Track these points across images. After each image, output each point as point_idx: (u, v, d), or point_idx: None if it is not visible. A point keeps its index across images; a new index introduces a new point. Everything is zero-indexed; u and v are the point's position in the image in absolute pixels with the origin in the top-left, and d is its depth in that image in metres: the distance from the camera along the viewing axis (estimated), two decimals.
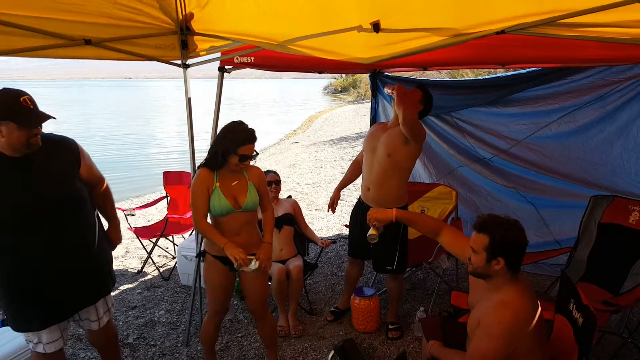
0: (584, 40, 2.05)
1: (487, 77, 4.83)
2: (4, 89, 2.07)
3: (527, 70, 4.01)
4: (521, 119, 4.15)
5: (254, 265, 2.47)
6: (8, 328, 2.68)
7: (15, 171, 2.11)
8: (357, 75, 36.20)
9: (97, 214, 2.51)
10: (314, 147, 13.63)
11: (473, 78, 5.58)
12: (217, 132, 2.57)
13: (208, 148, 2.60)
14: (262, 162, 11.82)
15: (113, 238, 2.66)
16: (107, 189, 2.59)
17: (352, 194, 7.42)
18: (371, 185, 3.19)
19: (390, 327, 3.44)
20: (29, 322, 2.27)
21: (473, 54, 2.57)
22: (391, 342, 3.36)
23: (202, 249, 2.74)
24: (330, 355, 2.61)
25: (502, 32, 2.02)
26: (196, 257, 3.03)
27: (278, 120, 24.67)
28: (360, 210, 3.37)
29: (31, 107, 2.04)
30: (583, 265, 3.33)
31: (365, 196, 3.27)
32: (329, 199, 3.58)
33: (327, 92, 46.11)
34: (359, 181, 3.46)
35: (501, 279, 1.97)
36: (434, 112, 4.53)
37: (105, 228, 2.62)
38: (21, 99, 2.02)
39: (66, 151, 2.30)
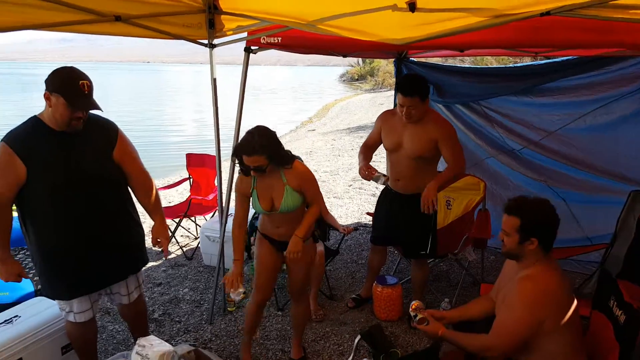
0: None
1: (519, 64, 4.67)
2: (72, 67, 2.15)
3: (562, 58, 3.88)
4: (554, 109, 4.00)
5: (236, 295, 2.55)
6: (43, 297, 2.87)
7: (55, 145, 2.18)
8: (374, 63, 35.88)
9: (132, 197, 2.53)
10: (330, 135, 13.56)
11: (503, 66, 5.42)
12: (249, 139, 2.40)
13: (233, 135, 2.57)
14: None
15: (158, 234, 2.57)
16: (151, 184, 2.55)
17: (371, 183, 7.38)
18: (401, 178, 3.15)
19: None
20: (58, 291, 2.37)
21: (514, 37, 2.46)
22: (414, 331, 3.32)
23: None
24: (356, 340, 2.59)
25: (548, 13, 1.92)
26: (220, 240, 3.02)
27: (294, 108, 24.59)
28: (388, 197, 3.32)
29: (86, 92, 2.10)
30: (620, 262, 3.20)
31: (395, 185, 3.22)
32: (359, 171, 3.17)
33: (344, 80, 45.82)
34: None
35: (533, 258, 2.00)
36: (461, 100, 4.47)
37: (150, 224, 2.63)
38: (80, 82, 2.09)
39: (104, 132, 2.36)
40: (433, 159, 3.10)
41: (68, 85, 2.08)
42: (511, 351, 1.98)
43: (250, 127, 2.42)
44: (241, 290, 2.54)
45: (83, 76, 2.12)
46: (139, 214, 2.59)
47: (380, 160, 6.72)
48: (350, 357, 2.72)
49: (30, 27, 2.22)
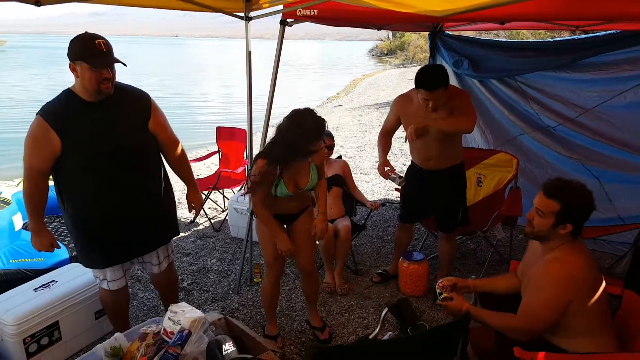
0: None
1: (557, 39, 4.50)
2: (85, 32, 2.16)
3: (603, 33, 3.72)
4: (593, 85, 3.86)
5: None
6: (78, 264, 2.94)
7: (89, 116, 2.20)
8: (405, 37, 35.17)
9: (164, 166, 2.56)
10: (357, 111, 13.44)
11: (542, 40, 5.22)
12: (283, 122, 2.38)
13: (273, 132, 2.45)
14: None
15: (192, 200, 2.71)
16: (183, 153, 2.61)
17: (398, 159, 7.32)
18: (432, 158, 3.13)
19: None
20: (93, 260, 2.42)
21: (560, 9, 2.34)
22: (439, 307, 3.31)
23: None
24: (383, 313, 2.62)
25: None
26: (249, 214, 3.05)
27: (321, 83, 24.42)
28: (417, 176, 3.28)
29: (104, 50, 2.10)
30: None
31: (426, 165, 3.19)
32: (378, 168, 3.18)
33: (373, 55, 45.13)
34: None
35: (560, 241, 1.97)
36: (497, 75, 4.35)
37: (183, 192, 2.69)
38: (96, 42, 2.09)
39: (138, 102, 2.38)
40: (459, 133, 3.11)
41: (85, 49, 2.08)
42: (538, 333, 1.96)
43: (289, 107, 2.40)
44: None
45: (96, 36, 2.12)
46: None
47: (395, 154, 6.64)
48: (377, 330, 2.75)
49: None
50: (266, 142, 3.33)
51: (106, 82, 2.14)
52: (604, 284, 1.97)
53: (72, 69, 2.12)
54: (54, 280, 2.85)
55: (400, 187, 3.13)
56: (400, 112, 3.12)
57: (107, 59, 2.12)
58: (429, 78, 2.78)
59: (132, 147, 2.31)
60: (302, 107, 2.42)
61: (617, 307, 2.20)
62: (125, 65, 2.17)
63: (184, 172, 2.66)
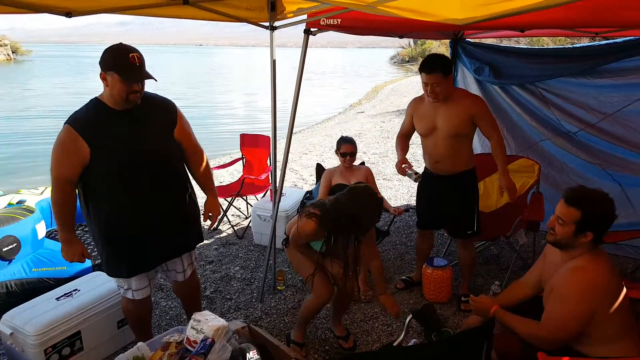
0: None
1: (577, 45, 4.48)
2: (120, 43, 2.21)
3: (622, 39, 3.70)
4: (613, 91, 3.85)
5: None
6: (101, 272, 2.95)
7: (117, 125, 2.23)
8: (426, 45, 35.05)
9: (188, 174, 2.60)
10: (379, 118, 13.45)
11: (562, 46, 5.19)
12: (342, 195, 2.45)
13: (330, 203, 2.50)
14: (327, 131, 11.88)
15: (210, 208, 2.69)
16: (206, 162, 2.64)
17: (420, 166, 7.30)
18: (440, 160, 3.16)
19: (462, 299, 3.40)
20: (119, 269, 2.42)
21: (577, 16, 2.35)
22: (463, 314, 3.33)
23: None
24: (407, 319, 2.62)
25: None
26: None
27: (343, 90, 24.48)
28: (428, 181, 3.32)
29: (137, 64, 2.15)
30: None
31: (435, 168, 3.23)
32: (396, 165, 3.28)
33: (394, 62, 45.08)
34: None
35: (582, 249, 1.98)
36: (518, 82, 4.35)
37: (203, 200, 2.70)
38: (130, 55, 2.13)
39: (164, 111, 2.42)
40: (468, 135, 3.12)
41: (119, 60, 2.12)
42: (563, 343, 1.96)
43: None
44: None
45: (131, 49, 2.16)
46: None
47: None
48: (401, 336, 2.76)
49: (105, 10, 2.34)
50: (289, 149, 3.39)
51: (135, 94, 2.19)
52: (625, 290, 1.97)
53: (103, 77, 2.16)
54: (76, 289, 2.84)
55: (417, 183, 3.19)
56: (413, 111, 3.23)
57: (139, 74, 2.16)
58: (428, 60, 2.95)
59: (159, 155, 2.35)
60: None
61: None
62: (155, 80, 2.20)
63: (206, 180, 2.67)
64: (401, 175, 3.41)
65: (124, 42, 2.22)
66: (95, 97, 2.27)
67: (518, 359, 2.08)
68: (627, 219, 3.95)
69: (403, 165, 3.10)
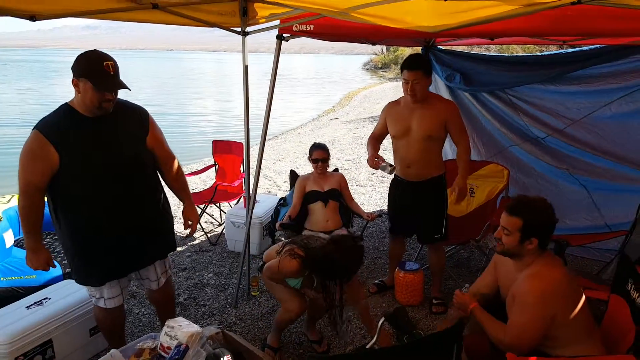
0: None
1: (546, 53, 4.63)
2: (94, 50, 2.16)
3: (589, 47, 3.84)
4: (580, 97, 3.98)
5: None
6: (71, 280, 2.88)
7: (87, 131, 2.19)
8: (398, 52, 35.53)
9: (161, 182, 2.57)
10: (353, 124, 13.55)
11: (531, 54, 5.36)
12: (329, 244, 2.48)
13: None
14: (300, 137, 11.90)
15: (189, 216, 2.67)
16: (179, 168, 2.62)
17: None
18: (412, 164, 3.21)
19: (434, 302, 3.46)
20: (89, 278, 2.38)
21: (544, 25, 2.46)
22: (435, 316, 3.38)
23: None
24: (380, 322, 2.65)
25: (579, 2, 1.92)
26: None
27: (316, 96, 24.57)
28: (399, 189, 3.39)
29: (111, 72, 2.11)
30: (639, 249, 3.23)
31: (406, 173, 3.28)
32: (368, 160, 3.26)
33: (367, 69, 45.49)
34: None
35: (532, 257, 2.05)
36: (488, 89, 4.46)
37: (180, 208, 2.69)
38: (104, 63, 2.09)
39: (136, 118, 2.39)
40: (440, 139, 3.20)
41: (93, 68, 2.08)
42: (526, 350, 2.01)
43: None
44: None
45: (106, 57, 2.11)
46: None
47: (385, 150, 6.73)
48: (374, 339, 2.78)
49: (71, 14, 2.29)
50: (262, 155, 3.38)
51: (108, 102, 2.16)
52: (582, 292, 2.04)
53: (75, 84, 2.11)
54: (47, 298, 2.80)
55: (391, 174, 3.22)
56: (387, 114, 3.29)
57: (113, 83, 2.13)
58: (410, 59, 3.06)
59: (130, 162, 2.31)
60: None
61: (604, 312, 2.27)
62: (129, 89, 2.17)
63: (180, 187, 2.64)
64: (374, 171, 3.45)
65: (96, 49, 2.18)
66: (66, 103, 2.22)
67: (487, 358, 2.13)
68: (593, 222, 4.10)
69: (375, 159, 3.13)
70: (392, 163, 3.19)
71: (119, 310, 2.54)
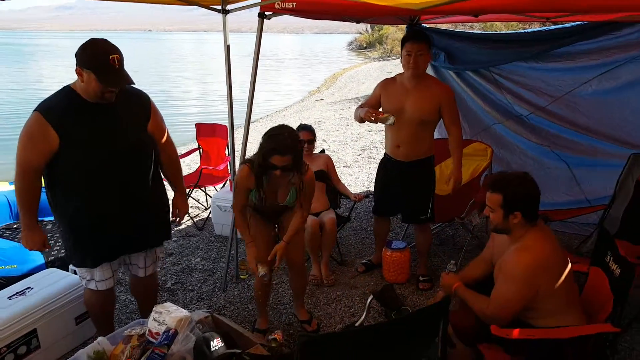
0: None
1: (528, 30, 4.64)
2: (103, 40, 2.13)
3: (572, 24, 3.85)
4: (562, 74, 4.02)
5: (261, 271, 2.63)
6: (55, 269, 2.90)
7: (89, 116, 2.18)
8: (383, 31, 35.22)
9: (160, 170, 2.56)
10: (339, 105, 13.49)
11: (514, 31, 5.36)
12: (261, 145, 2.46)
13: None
14: (285, 119, 11.81)
15: (180, 206, 2.69)
16: (177, 156, 2.62)
17: (379, 152, 7.40)
18: (402, 144, 3.21)
19: (420, 279, 3.52)
20: (83, 259, 2.38)
21: (529, 2, 2.46)
22: (421, 292, 3.44)
23: None
24: (369, 300, 2.70)
25: None
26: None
27: (301, 77, 24.35)
28: (387, 168, 3.40)
29: (117, 67, 2.09)
30: (617, 222, 3.34)
31: (395, 153, 3.28)
32: (365, 115, 3.09)
33: (352, 48, 45.12)
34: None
35: (521, 230, 2.09)
36: (472, 67, 4.47)
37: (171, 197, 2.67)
38: (111, 57, 2.06)
39: (138, 103, 2.37)
40: (433, 123, 3.19)
41: (98, 61, 2.06)
42: (507, 320, 2.08)
43: (278, 123, 2.46)
44: (263, 271, 2.62)
45: (112, 50, 2.09)
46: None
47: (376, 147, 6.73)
48: (362, 317, 2.83)
49: None
50: (247, 138, 3.37)
51: (111, 93, 2.15)
52: (569, 265, 2.10)
53: (79, 72, 2.10)
54: (29, 287, 2.75)
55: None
56: (382, 91, 3.25)
57: (118, 78, 2.11)
58: (416, 31, 3.11)
59: (130, 148, 2.30)
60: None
61: (584, 283, 2.33)
62: (134, 83, 2.15)
63: (175, 176, 2.65)
64: (360, 152, 3.43)
65: (104, 38, 2.15)
66: (68, 86, 2.21)
67: (472, 333, 2.19)
68: (574, 196, 4.19)
69: (374, 113, 3.03)
70: (384, 143, 3.16)
71: (110, 293, 2.55)
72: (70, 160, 2.17)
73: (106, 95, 2.14)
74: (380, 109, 3.23)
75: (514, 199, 2.03)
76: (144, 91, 2.44)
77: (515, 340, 1.98)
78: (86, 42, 2.11)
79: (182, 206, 2.71)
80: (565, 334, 1.98)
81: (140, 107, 2.37)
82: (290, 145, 2.38)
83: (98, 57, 2.07)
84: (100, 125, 2.21)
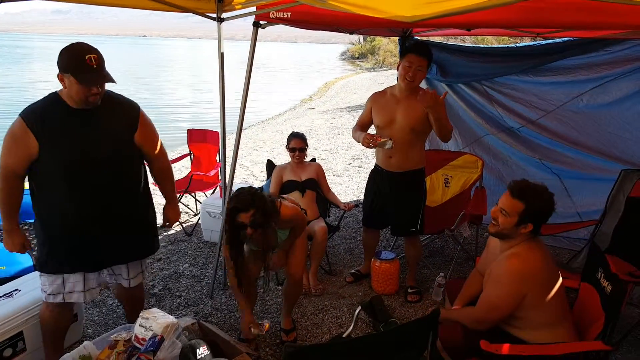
0: None
1: (520, 44, 4.70)
2: (78, 43, 2.11)
3: (563, 39, 3.91)
4: (553, 88, 4.06)
5: (255, 332, 2.62)
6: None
7: (73, 122, 2.16)
8: (375, 42, 35.52)
9: (147, 182, 2.52)
10: (330, 114, 13.53)
11: (506, 45, 5.43)
12: None
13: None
14: (277, 127, 11.82)
15: (170, 216, 2.67)
16: (168, 166, 2.59)
17: (370, 161, 7.42)
18: (394, 154, 3.20)
19: (409, 290, 3.50)
20: (59, 265, 2.31)
21: (520, 17, 2.47)
22: (410, 304, 3.42)
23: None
24: (357, 311, 2.69)
25: None
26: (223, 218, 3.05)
27: (294, 85, 24.40)
28: (378, 179, 3.39)
29: (94, 66, 2.07)
30: (608, 238, 3.35)
31: (387, 164, 3.27)
32: (363, 140, 3.08)
33: (344, 58, 45.35)
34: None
35: (519, 239, 2.10)
36: (464, 80, 4.51)
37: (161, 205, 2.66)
38: (86, 57, 2.05)
39: (125, 112, 2.34)
40: (424, 132, 3.18)
41: (75, 63, 2.05)
42: (494, 323, 2.09)
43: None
44: (257, 332, 2.61)
45: (88, 49, 2.07)
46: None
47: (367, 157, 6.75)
48: (350, 328, 2.81)
49: None
50: (239, 145, 3.36)
51: (94, 96, 2.12)
52: (560, 279, 2.10)
53: (60, 79, 2.09)
54: (17, 289, 2.73)
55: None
56: (373, 104, 3.26)
57: (96, 76, 2.09)
58: (421, 45, 3.07)
59: (112, 158, 2.26)
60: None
61: (575, 299, 2.34)
62: (115, 82, 2.13)
63: (167, 186, 2.62)
64: (351, 161, 3.42)
65: (80, 41, 2.13)
66: (55, 92, 2.20)
67: (461, 346, 2.18)
68: (565, 210, 4.20)
69: (372, 138, 3.03)
70: (376, 153, 3.15)
71: (68, 310, 2.47)
72: (48, 166, 2.16)
73: (90, 99, 2.11)
74: (373, 126, 3.24)
75: (534, 211, 2.04)
76: (135, 101, 2.40)
77: (505, 356, 1.96)
78: (63, 48, 2.09)
79: (172, 216, 2.68)
80: (556, 351, 1.98)
81: (127, 117, 2.33)
82: (250, 200, 2.37)
83: (74, 58, 2.06)
84: (81, 133, 2.18)
